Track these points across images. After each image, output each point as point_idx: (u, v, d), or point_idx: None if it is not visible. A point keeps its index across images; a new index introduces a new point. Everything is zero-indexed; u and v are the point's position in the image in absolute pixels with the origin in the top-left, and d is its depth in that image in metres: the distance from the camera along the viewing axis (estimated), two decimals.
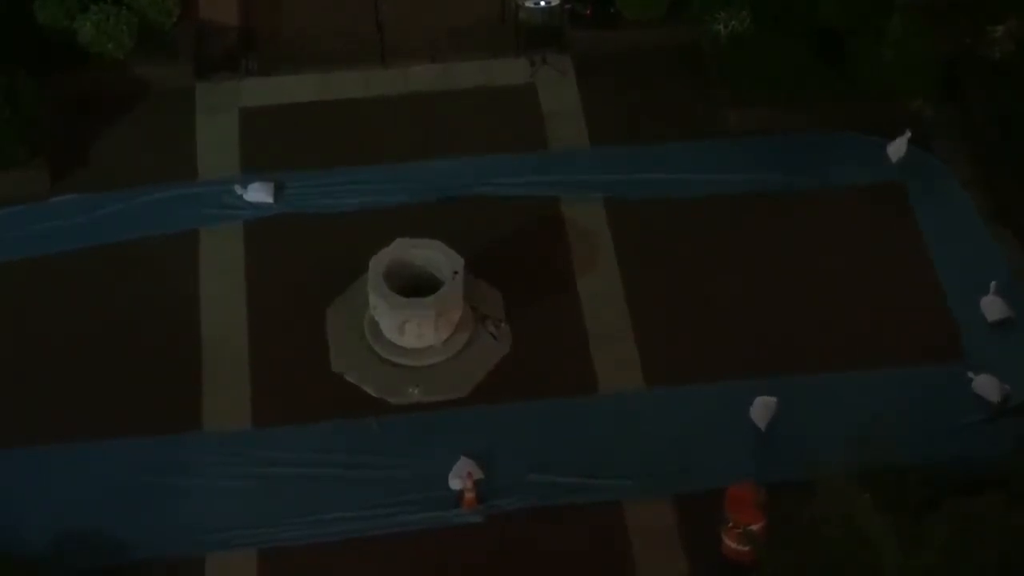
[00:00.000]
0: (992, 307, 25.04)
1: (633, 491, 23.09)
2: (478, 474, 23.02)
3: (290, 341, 24.82)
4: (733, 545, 21.99)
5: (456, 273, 24.37)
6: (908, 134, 26.89)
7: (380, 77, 28.75)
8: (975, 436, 23.55)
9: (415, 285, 24.47)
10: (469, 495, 22.81)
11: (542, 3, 28.36)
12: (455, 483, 22.99)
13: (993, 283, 25.09)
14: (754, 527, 21.65)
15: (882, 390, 23.98)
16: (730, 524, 21.89)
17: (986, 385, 23.99)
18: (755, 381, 24.06)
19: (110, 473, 23.20)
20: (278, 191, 26.73)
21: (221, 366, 24.49)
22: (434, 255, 24.71)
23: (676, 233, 26.32)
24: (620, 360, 24.63)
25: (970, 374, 24.16)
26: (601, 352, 24.72)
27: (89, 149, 27.44)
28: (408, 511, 22.88)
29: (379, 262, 24.55)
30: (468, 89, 28.55)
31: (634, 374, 24.47)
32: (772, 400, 23.58)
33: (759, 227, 26.39)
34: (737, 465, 23.08)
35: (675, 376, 24.41)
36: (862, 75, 27.49)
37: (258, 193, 26.63)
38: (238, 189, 26.73)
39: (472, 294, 24.98)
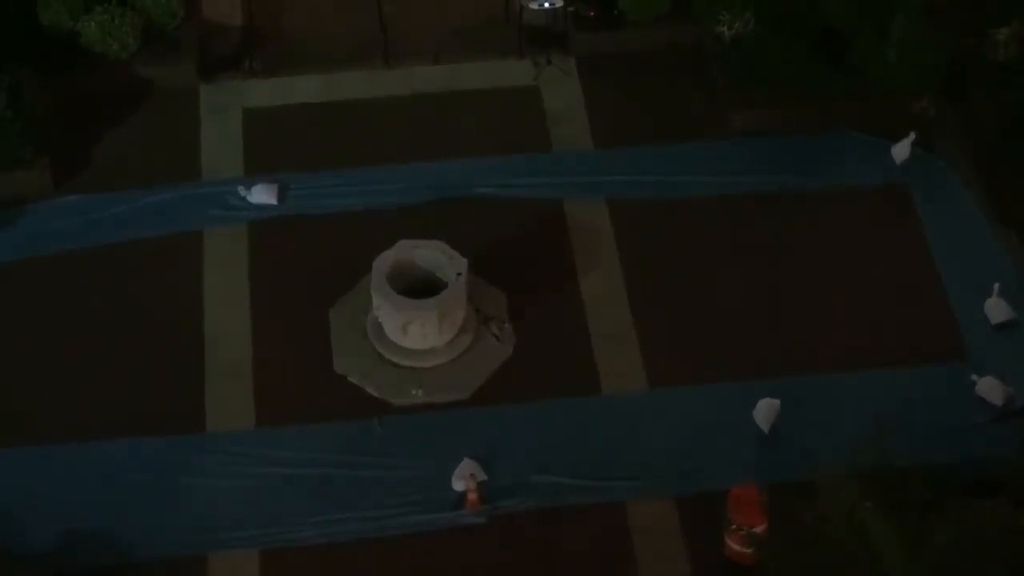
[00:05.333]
0: (996, 309, 25.01)
1: (635, 492, 23.08)
2: (481, 475, 23.02)
3: (293, 342, 24.84)
4: (735, 546, 21.98)
5: (460, 274, 24.37)
6: (912, 136, 26.89)
7: (384, 78, 28.76)
8: (978, 438, 23.52)
9: (418, 286, 24.47)
10: (472, 496, 22.81)
11: (546, 4, 28.36)
12: (458, 484, 22.99)
13: (996, 285, 25.07)
14: (757, 528, 21.65)
15: (885, 392, 23.96)
16: (732, 525, 21.89)
17: (989, 388, 23.95)
18: (758, 382, 24.04)
19: (112, 473, 23.21)
20: (282, 192, 26.74)
21: (224, 366, 24.50)
22: (437, 256, 24.71)
23: (679, 234, 26.33)
24: (623, 361, 24.62)
25: (973, 377, 24.14)
26: (604, 353, 24.72)
27: (92, 149, 27.45)
28: (410, 512, 22.88)
29: (382, 263, 24.56)
30: (472, 90, 28.55)
31: (637, 375, 24.47)
32: (775, 402, 23.57)
33: (763, 228, 26.39)
34: (740, 466, 23.07)
35: (678, 377, 24.41)
36: (865, 76, 27.49)
37: (262, 194, 26.63)
38: (242, 190, 26.74)
39: (475, 295, 24.99)
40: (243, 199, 26.68)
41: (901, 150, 27.01)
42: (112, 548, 22.35)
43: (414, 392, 24.21)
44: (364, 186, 26.94)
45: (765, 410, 23.60)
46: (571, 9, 28.80)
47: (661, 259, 25.97)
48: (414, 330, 24.28)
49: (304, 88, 28.55)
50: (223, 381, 24.34)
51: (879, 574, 19.14)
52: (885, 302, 25.36)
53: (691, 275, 25.74)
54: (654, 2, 28.77)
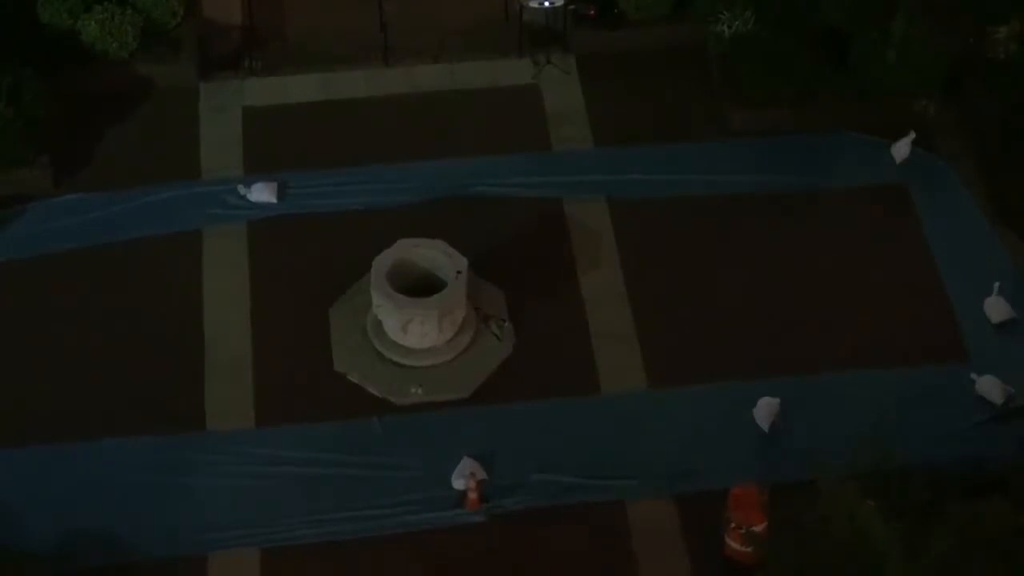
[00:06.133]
0: (996, 308, 25.02)
1: (635, 491, 23.08)
2: (481, 474, 23.01)
3: (293, 341, 24.83)
4: (735, 546, 21.98)
5: (459, 273, 24.37)
6: (912, 135, 26.90)
7: (384, 77, 28.75)
8: (978, 438, 23.53)
9: (418, 285, 24.47)
10: (472, 495, 22.81)
11: (546, 3, 28.36)
12: (458, 483, 22.99)
13: (997, 284, 25.07)
14: (757, 528, 21.65)
15: (885, 391, 23.95)
16: (733, 525, 21.89)
17: (989, 387, 23.96)
18: (758, 382, 24.05)
19: (112, 472, 23.19)
20: (281, 191, 26.73)
21: (224, 365, 24.49)
22: (437, 255, 24.70)
23: (679, 233, 26.33)
24: (623, 360, 24.62)
25: (973, 376, 24.15)
26: (604, 352, 24.71)
27: (92, 148, 27.44)
28: (411, 511, 22.87)
29: (382, 262, 24.55)
30: (472, 89, 28.54)
31: (637, 374, 24.47)
32: (775, 401, 23.57)
33: (762, 228, 26.39)
34: (740, 466, 23.07)
35: (678, 376, 24.40)
36: (865, 75, 27.48)
37: (261, 193, 26.63)
38: (241, 189, 26.74)
39: (475, 294, 24.98)
40: (243, 198, 26.67)
41: (901, 149, 27.01)
42: (112, 548, 22.34)
43: (414, 391, 24.20)
44: (364, 185, 26.94)
45: (765, 410, 23.60)
46: (571, 8, 28.79)
47: (661, 258, 25.97)
48: (414, 329, 24.28)
49: (304, 87, 28.54)
50: (223, 381, 24.33)
51: (879, 574, 19.12)
52: (885, 302, 25.36)
53: (691, 275, 25.74)
54: (655, 2, 28.76)
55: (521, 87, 28.62)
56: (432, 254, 24.75)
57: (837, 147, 27.52)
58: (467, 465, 23.07)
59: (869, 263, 25.87)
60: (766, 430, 23.59)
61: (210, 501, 22.92)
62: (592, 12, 28.92)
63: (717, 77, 28.17)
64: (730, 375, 24.34)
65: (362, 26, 29.21)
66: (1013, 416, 23.76)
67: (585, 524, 22.77)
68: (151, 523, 22.62)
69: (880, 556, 18.97)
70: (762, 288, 25.51)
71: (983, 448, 23.18)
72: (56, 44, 27.86)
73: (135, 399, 24.04)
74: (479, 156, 27.34)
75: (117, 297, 25.35)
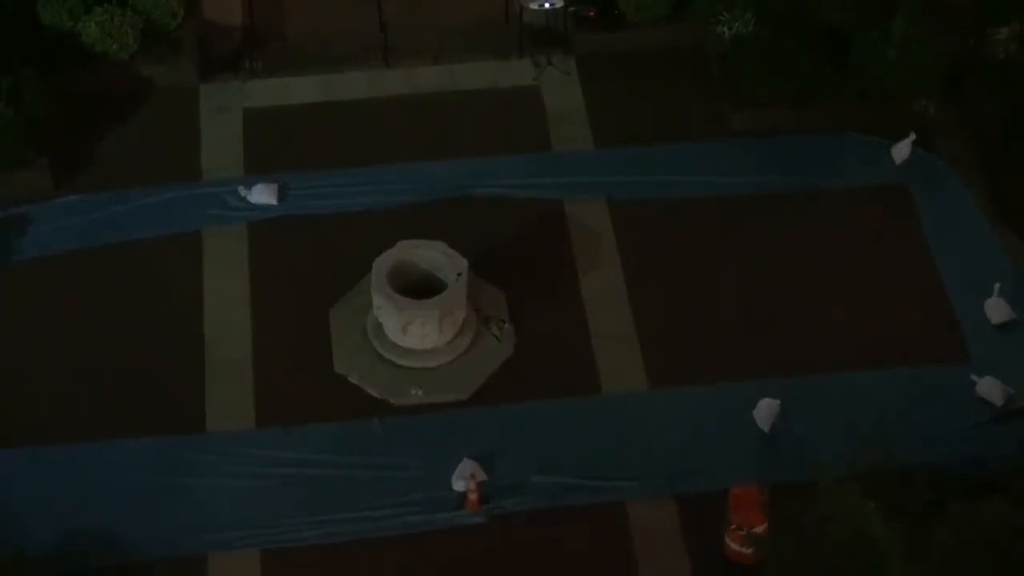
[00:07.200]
0: (996, 309, 25.03)
1: (636, 492, 23.08)
2: (481, 475, 23.01)
3: (293, 342, 24.83)
4: (735, 546, 21.99)
5: (460, 274, 24.37)
6: (912, 137, 26.90)
7: (384, 78, 28.76)
8: (978, 438, 23.53)
9: (418, 286, 24.47)
10: (472, 496, 22.80)
11: (546, 4, 28.37)
12: (459, 484, 22.99)
13: (997, 285, 25.07)
14: (757, 529, 21.65)
15: (885, 392, 23.96)
16: (732, 526, 21.90)
17: (990, 388, 23.97)
18: (758, 382, 24.05)
19: (113, 473, 23.21)
20: (282, 192, 26.74)
21: (224, 366, 24.50)
22: (437, 256, 24.71)
23: (680, 234, 26.33)
24: (623, 361, 24.62)
25: (974, 377, 24.14)
26: (604, 353, 24.72)
27: (93, 150, 27.45)
28: (411, 512, 22.88)
29: (383, 263, 24.56)
30: (472, 90, 28.55)
31: (637, 375, 24.47)
32: (775, 402, 23.57)
33: (763, 228, 26.39)
34: (740, 466, 23.08)
35: (678, 377, 24.40)
36: (865, 75, 27.48)
37: (262, 194, 26.63)
38: (242, 190, 26.74)
39: (475, 295, 24.98)
40: (243, 199, 26.68)
41: (901, 150, 27.02)
42: (112, 548, 22.35)
43: (414, 392, 24.20)
44: (364, 186, 26.94)
45: (765, 410, 23.60)
46: (571, 9, 28.79)
47: (661, 259, 25.97)
48: (414, 330, 24.28)
49: (304, 88, 28.55)
50: (223, 381, 24.34)
51: (879, 574, 19.13)
52: (885, 302, 25.36)
53: (691, 275, 25.74)
54: (655, 2, 28.77)
55: (521, 88, 28.63)
56: (432, 255, 24.76)
57: (837, 147, 27.53)
58: (467, 466, 23.07)
59: (869, 263, 25.87)
60: (766, 431, 23.59)
61: (210, 501, 22.93)
62: (592, 13, 28.93)
63: (717, 77, 28.18)
64: (730, 375, 24.34)
65: (362, 26, 29.22)
66: (1013, 417, 23.76)
67: (585, 524, 22.78)
68: (151, 523, 22.64)
69: (880, 556, 18.98)
70: (762, 288, 25.52)
71: (983, 448, 23.20)
72: (56, 45, 27.89)
73: (135, 399, 24.05)
74: (479, 157, 27.35)
75: (117, 297, 25.37)
